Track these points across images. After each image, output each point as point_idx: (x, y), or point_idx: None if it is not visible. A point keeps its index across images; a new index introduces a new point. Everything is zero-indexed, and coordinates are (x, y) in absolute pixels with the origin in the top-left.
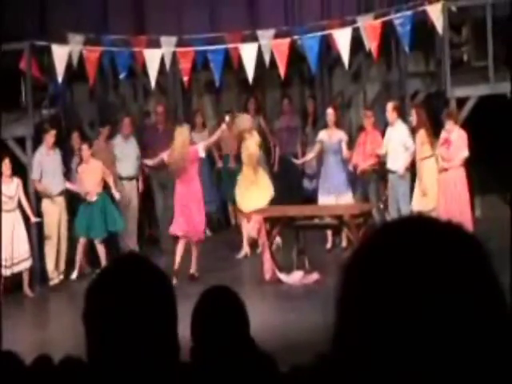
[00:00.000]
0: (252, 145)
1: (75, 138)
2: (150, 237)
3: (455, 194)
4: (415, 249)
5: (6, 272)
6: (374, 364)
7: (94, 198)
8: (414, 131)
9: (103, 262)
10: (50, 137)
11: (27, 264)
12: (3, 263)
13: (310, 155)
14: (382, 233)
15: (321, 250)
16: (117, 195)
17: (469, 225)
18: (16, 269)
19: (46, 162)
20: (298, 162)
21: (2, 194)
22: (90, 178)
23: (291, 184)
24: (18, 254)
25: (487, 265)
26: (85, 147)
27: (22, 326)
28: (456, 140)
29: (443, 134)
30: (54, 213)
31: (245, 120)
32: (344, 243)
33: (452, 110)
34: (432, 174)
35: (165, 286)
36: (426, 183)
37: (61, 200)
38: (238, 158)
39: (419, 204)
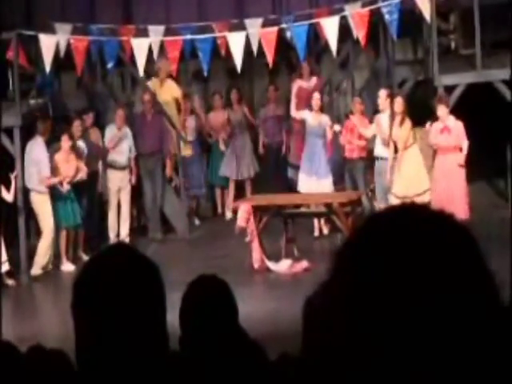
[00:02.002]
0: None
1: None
2: (139, 226)
3: (453, 180)
4: (407, 238)
5: None
6: (363, 351)
7: (67, 188)
8: (393, 116)
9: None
10: (45, 127)
11: (5, 267)
12: None
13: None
14: (374, 221)
15: (309, 237)
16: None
17: (466, 211)
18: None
19: (46, 155)
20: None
21: None
22: (66, 167)
23: (276, 173)
24: None
25: (477, 254)
26: (65, 137)
27: (8, 316)
28: (454, 127)
29: (438, 125)
30: (47, 203)
31: (165, 64)
32: (326, 231)
33: (441, 95)
34: (414, 161)
35: (153, 275)
36: (406, 169)
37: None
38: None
39: (400, 191)
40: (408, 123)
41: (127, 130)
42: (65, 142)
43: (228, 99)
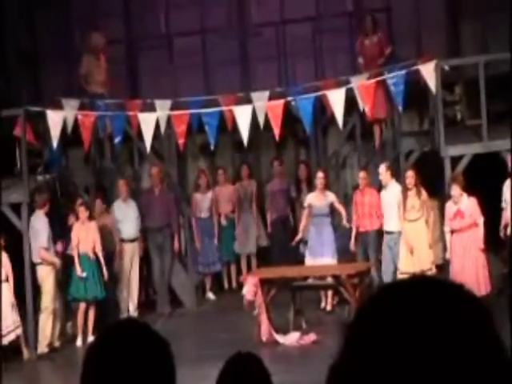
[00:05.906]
0: None
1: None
2: (147, 300)
3: (471, 256)
4: (418, 311)
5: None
6: None
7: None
8: (406, 191)
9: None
10: (42, 200)
11: (19, 331)
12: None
13: (303, 224)
14: (386, 292)
15: (317, 310)
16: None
17: (487, 286)
18: (7, 339)
19: (46, 227)
20: (298, 237)
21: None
22: (86, 238)
23: (286, 247)
24: (8, 323)
25: (490, 327)
26: (82, 209)
27: None
28: (467, 209)
29: (451, 207)
30: (50, 278)
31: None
32: (331, 304)
33: (457, 173)
34: (420, 236)
35: (164, 351)
36: (412, 245)
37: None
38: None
39: (406, 265)
40: (425, 194)
41: (133, 203)
42: (82, 213)
43: (237, 174)
